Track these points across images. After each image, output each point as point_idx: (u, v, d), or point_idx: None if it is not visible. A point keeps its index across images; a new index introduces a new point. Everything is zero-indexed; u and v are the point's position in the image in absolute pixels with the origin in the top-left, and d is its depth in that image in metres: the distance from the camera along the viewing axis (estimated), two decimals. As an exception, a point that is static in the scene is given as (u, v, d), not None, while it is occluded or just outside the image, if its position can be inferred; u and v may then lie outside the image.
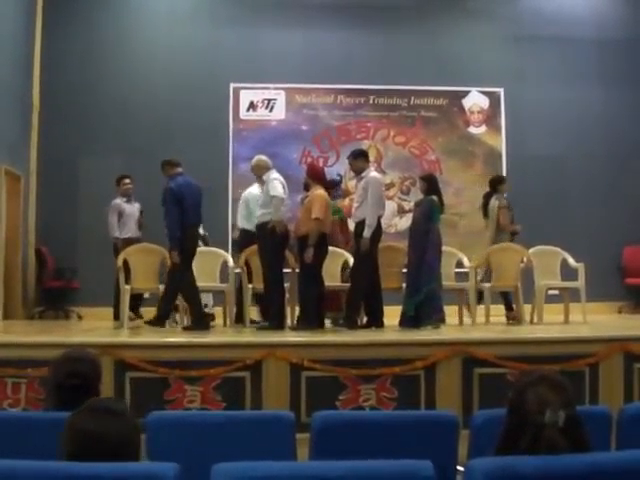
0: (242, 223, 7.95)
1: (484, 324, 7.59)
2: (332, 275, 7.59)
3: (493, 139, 10.73)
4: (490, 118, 10.73)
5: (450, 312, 7.71)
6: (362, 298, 7.14)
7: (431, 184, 7.39)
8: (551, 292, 8.16)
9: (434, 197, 7.28)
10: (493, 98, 10.72)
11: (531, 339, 6.15)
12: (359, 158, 7.30)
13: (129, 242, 7.97)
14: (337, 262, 7.82)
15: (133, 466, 2.04)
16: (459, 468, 2.85)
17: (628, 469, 2.06)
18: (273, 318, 6.91)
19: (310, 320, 6.84)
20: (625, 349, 5.76)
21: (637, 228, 9.89)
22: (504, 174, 10.42)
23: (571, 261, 8.00)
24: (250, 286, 7.36)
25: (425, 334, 6.53)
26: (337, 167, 10.47)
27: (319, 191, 7.08)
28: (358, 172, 7.29)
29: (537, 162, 10.15)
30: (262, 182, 7.23)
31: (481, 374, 5.63)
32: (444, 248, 7.75)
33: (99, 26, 10.14)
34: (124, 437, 2.02)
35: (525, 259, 7.84)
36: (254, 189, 7.89)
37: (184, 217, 6.86)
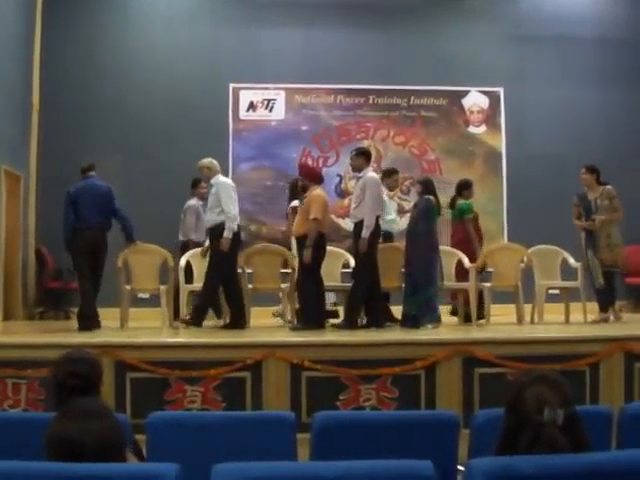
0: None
1: (484, 324, 7.59)
2: (332, 275, 7.59)
3: (493, 139, 10.73)
4: (490, 118, 10.73)
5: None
6: (363, 299, 7.14)
7: (427, 187, 7.43)
8: (551, 292, 8.16)
9: (431, 197, 7.30)
10: (493, 98, 10.72)
11: (531, 339, 6.15)
12: (360, 157, 7.30)
13: (197, 245, 8.06)
14: (337, 262, 7.82)
15: (133, 467, 2.05)
16: (460, 468, 2.85)
17: (628, 468, 2.06)
18: (194, 317, 7.06)
19: (310, 320, 6.84)
20: (625, 348, 5.76)
21: (637, 227, 9.86)
22: (504, 173, 10.44)
23: (571, 261, 8.00)
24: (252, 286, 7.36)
25: (425, 334, 6.53)
26: (337, 167, 10.48)
27: (317, 191, 7.09)
28: (356, 170, 7.30)
29: (537, 161, 10.14)
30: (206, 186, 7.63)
31: (481, 374, 5.63)
32: (444, 248, 7.76)
33: (99, 26, 10.14)
34: (105, 439, 1.98)
35: (525, 259, 7.84)
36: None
37: (77, 220, 7.08)
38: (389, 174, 8.29)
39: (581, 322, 7.62)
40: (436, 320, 7.08)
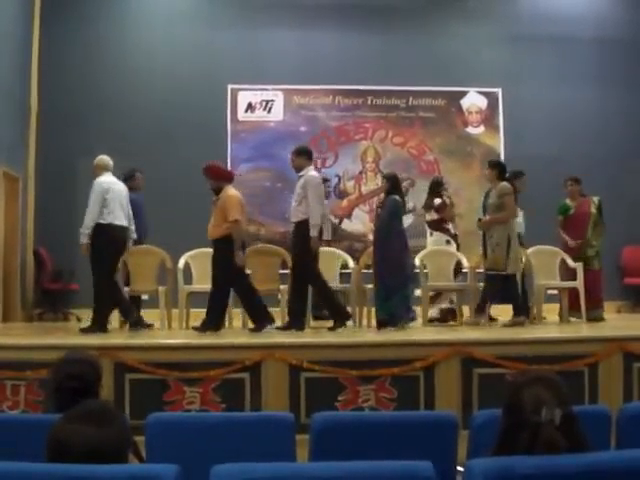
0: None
1: (483, 324, 7.60)
2: (330, 276, 7.58)
3: (491, 139, 10.74)
4: (488, 118, 10.74)
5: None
6: (306, 298, 7.04)
7: (394, 183, 7.35)
8: (550, 292, 8.16)
9: (397, 197, 7.23)
10: (491, 98, 10.73)
11: (530, 339, 6.15)
12: (301, 156, 7.11)
13: None
14: (335, 263, 7.83)
15: (132, 468, 2.04)
16: (459, 468, 2.85)
17: (627, 469, 2.06)
18: (93, 322, 6.87)
19: (297, 321, 6.82)
20: (624, 349, 5.76)
21: (636, 228, 9.89)
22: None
23: (570, 261, 8.00)
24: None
25: (425, 335, 6.53)
26: (336, 168, 10.49)
27: (231, 191, 6.95)
28: (298, 169, 7.11)
29: (535, 162, 10.12)
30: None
31: (480, 374, 5.62)
32: (442, 248, 7.76)
33: (97, 28, 10.14)
34: (110, 443, 1.96)
35: (524, 259, 7.84)
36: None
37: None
38: (515, 176, 8.20)
39: (580, 322, 7.62)
40: (410, 320, 7.07)
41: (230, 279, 6.85)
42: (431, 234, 8.30)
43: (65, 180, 9.77)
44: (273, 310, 7.63)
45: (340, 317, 6.93)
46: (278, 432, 2.95)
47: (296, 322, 6.89)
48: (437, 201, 8.23)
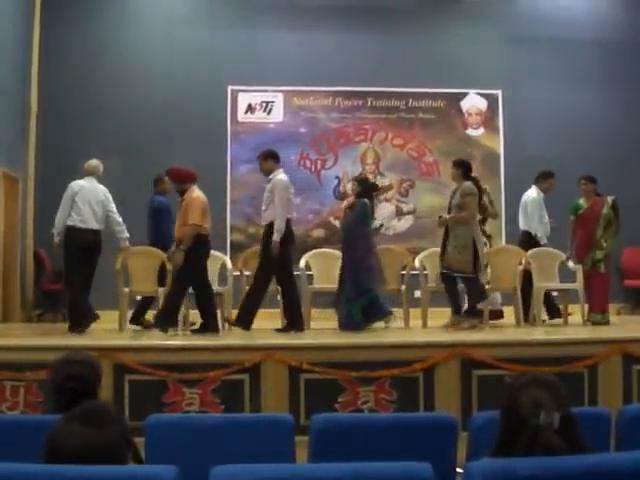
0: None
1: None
2: (329, 277, 7.59)
3: (491, 141, 10.74)
4: (488, 120, 10.74)
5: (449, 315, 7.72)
6: (260, 300, 7.02)
7: (365, 187, 7.41)
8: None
9: (366, 200, 7.27)
10: (491, 100, 10.73)
11: (530, 341, 6.15)
12: (269, 159, 7.17)
13: None
14: (334, 264, 7.82)
15: (132, 469, 2.04)
16: (458, 470, 2.85)
17: (627, 470, 2.06)
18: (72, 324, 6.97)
19: (164, 321, 6.79)
20: (624, 351, 5.76)
21: (636, 230, 9.87)
22: (502, 176, 10.44)
23: (569, 263, 7.99)
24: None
25: (424, 336, 6.52)
26: (335, 169, 10.48)
27: (195, 193, 6.91)
28: (267, 174, 7.15)
29: (535, 164, 10.09)
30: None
31: (480, 376, 5.62)
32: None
33: (97, 29, 10.14)
34: (110, 444, 1.96)
35: (523, 261, 7.84)
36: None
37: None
38: (545, 177, 8.18)
39: (579, 324, 7.62)
40: (387, 314, 7.11)
41: (189, 278, 6.84)
42: None
43: (65, 181, 9.71)
44: (273, 311, 7.66)
45: (297, 324, 6.94)
46: (278, 433, 2.95)
47: (295, 324, 6.90)
48: None
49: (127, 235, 7.39)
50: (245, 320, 6.92)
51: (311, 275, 7.97)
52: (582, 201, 7.98)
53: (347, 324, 6.97)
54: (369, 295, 6.99)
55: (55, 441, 1.95)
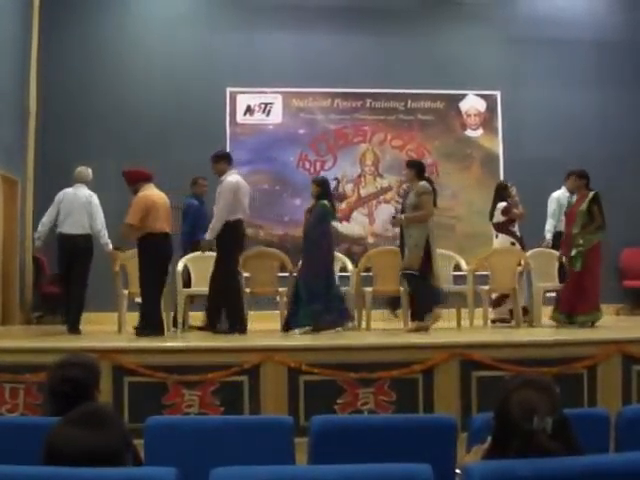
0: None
1: (482, 327, 7.60)
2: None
3: (490, 142, 10.74)
4: (487, 121, 10.74)
5: (449, 316, 7.73)
6: (221, 301, 7.05)
7: (324, 188, 7.41)
8: (549, 294, 8.15)
9: (326, 202, 7.28)
10: (490, 101, 10.74)
11: (529, 342, 6.15)
12: (221, 161, 7.22)
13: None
14: (335, 265, 7.82)
15: (131, 471, 2.04)
16: (457, 471, 2.85)
17: (626, 471, 2.06)
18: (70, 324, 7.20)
19: (150, 325, 6.79)
20: (623, 351, 5.76)
21: (635, 230, 9.88)
22: (501, 177, 10.44)
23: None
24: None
25: (424, 338, 6.51)
26: (334, 171, 10.48)
27: (142, 192, 6.87)
28: (220, 175, 7.18)
29: (534, 165, 10.14)
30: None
31: (479, 377, 5.62)
32: (441, 251, 7.76)
33: (96, 31, 10.14)
34: (108, 447, 1.95)
35: (523, 262, 7.85)
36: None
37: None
38: (566, 177, 8.05)
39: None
40: (347, 318, 7.17)
41: (150, 280, 6.82)
42: (496, 236, 8.32)
43: (64, 183, 9.73)
44: (272, 313, 7.66)
45: (240, 325, 6.93)
46: (277, 435, 2.95)
47: (237, 325, 6.91)
48: (502, 204, 8.22)
49: (106, 240, 7.46)
50: (235, 323, 6.93)
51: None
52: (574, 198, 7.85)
53: (289, 325, 7.04)
54: (325, 298, 6.99)
55: (54, 443, 1.95)
